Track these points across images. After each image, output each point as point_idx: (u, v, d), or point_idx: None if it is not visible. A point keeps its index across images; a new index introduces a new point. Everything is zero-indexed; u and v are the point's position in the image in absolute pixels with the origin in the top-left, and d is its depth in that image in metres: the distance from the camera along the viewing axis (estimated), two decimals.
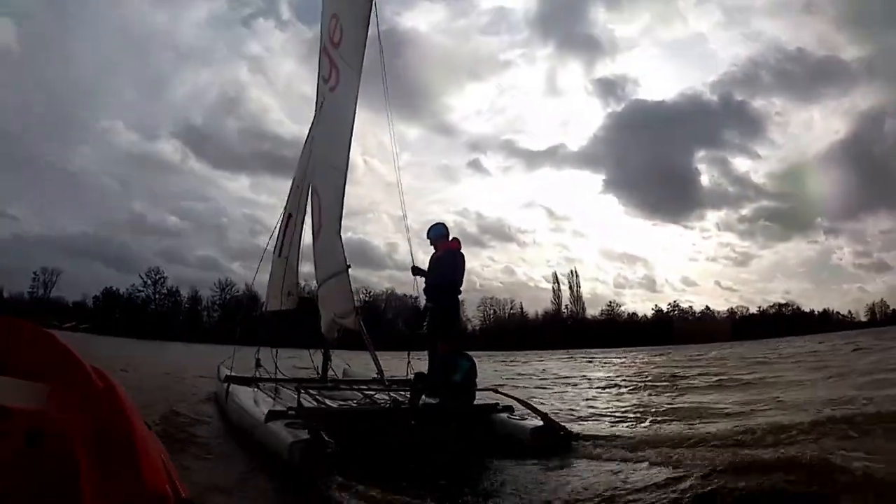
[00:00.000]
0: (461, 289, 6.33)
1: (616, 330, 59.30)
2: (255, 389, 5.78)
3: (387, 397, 5.60)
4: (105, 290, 62.79)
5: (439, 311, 6.15)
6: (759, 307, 65.94)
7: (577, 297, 67.06)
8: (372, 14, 6.36)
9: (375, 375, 6.20)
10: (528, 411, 5.09)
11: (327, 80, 6.77)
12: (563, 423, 4.83)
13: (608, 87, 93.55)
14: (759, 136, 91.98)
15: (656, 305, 69.14)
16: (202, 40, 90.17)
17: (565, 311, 66.58)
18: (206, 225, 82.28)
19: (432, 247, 6.44)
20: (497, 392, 5.65)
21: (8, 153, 71.91)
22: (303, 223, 7.03)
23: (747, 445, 4.11)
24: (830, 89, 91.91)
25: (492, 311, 67.31)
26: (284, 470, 3.53)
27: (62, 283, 60.16)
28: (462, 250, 6.27)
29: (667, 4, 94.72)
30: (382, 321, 53.07)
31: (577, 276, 68.18)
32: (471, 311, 65.65)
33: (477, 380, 5.45)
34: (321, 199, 6.39)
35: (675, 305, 67.64)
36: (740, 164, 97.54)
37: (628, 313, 67.26)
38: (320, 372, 6.93)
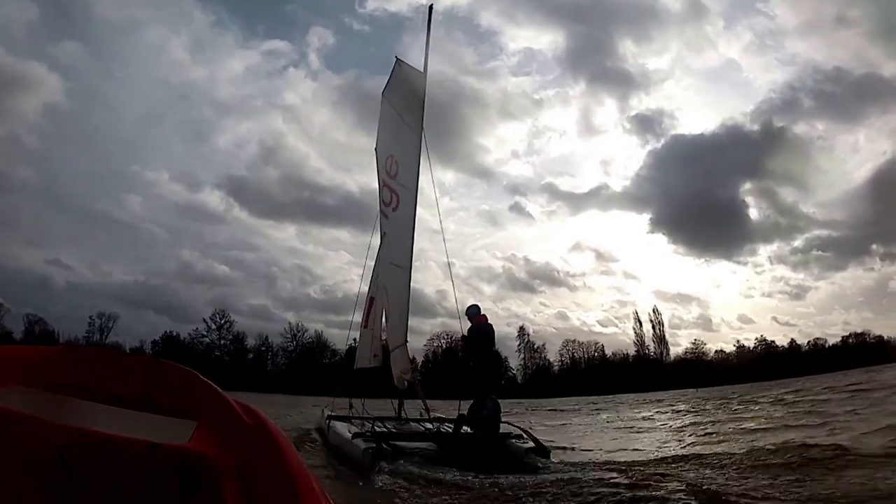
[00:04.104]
0: (495, 349, 8.82)
1: (700, 370, 57.61)
2: (350, 423, 8.40)
3: (435, 428, 8.09)
4: (165, 335, 60.31)
5: (477, 367, 8.58)
6: (843, 336, 61.44)
7: (660, 338, 65.60)
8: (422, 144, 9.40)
9: (438, 415, 8.76)
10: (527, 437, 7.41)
11: (388, 204, 9.66)
12: (546, 445, 7.16)
13: (645, 124, 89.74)
14: (804, 163, 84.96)
15: (738, 341, 66.08)
16: (239, 92, 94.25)
17: (647, 351, 65.29)
18: (255, 274, 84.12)
19: (468, 321, 8.91)
20: (511, 425, 8.03)
21: (60, 204, 76.42)
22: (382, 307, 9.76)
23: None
24: (873, 108, 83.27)
25: (570, 354, 67.04)
26: (360, 466, 6.08)
27: (118, 328, 59.46)
28: (490, 322, 8.77)
29: (695, 31, 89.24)
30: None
31: (659, 314, 66.76)
32: (552, 356, 66.60)
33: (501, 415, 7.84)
34: (389, 291, 9.15)
35: (762, 340, 64.29)
36: (787, 193, 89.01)
37: (714, 351, 65.15)
38: (396, 411, 9.47)
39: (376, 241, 9.95)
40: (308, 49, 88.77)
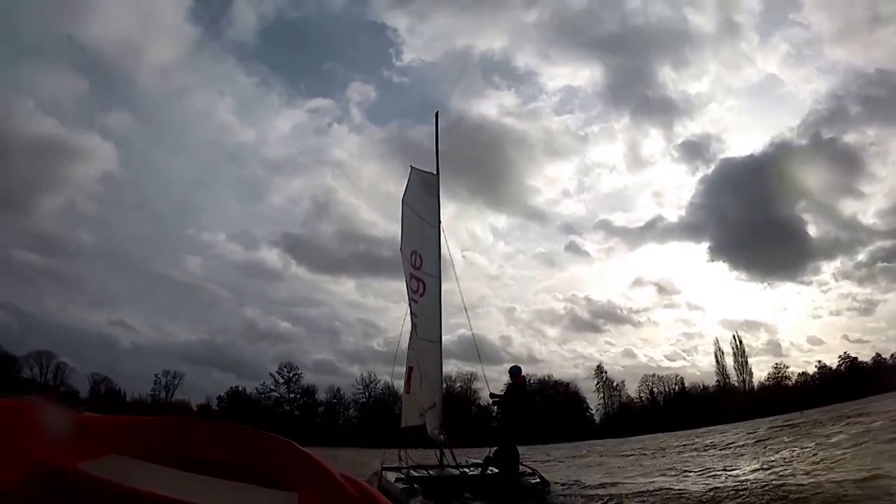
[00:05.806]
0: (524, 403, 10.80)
1: (786, 395, 54.77)
2: (398, 472, 10.45)
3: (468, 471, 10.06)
4: (231, 391, 58.96)
5: (507, 421, 10.49)
6: None
7: (742, 365, 62.93)
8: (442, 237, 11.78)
9: (474, 461, 10.80)
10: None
11: (416, 291, 11.99)
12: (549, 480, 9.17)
13: (693, 150, 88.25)
14: (858, 173, 79.50)
15: (819, 361, 62.06)
16: (288, 150, 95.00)
17: (728, 380, 62.64)
18: (318, 329, 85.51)
19: (510, 378, 10.86)
20: (526, 465, 9.92)
21: (121, 267, 78.54)
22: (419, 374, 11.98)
23: None
24: None
25: (648, 390, 65.38)
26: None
27: (184, 386, 59.40)
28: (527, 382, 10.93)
29: (730, 50, 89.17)
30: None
31: (740, 342, 64.22)
32: (632, 392, 65.67)
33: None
34: (422, 362, 11.42)
35: (845, 358, 60.09)
36: (846, 206, 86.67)
37: (798, 373, 61.42)
38: (438, 459, 11.45)
39: (408, 325, 12.27)
40: (350, 104, 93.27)
